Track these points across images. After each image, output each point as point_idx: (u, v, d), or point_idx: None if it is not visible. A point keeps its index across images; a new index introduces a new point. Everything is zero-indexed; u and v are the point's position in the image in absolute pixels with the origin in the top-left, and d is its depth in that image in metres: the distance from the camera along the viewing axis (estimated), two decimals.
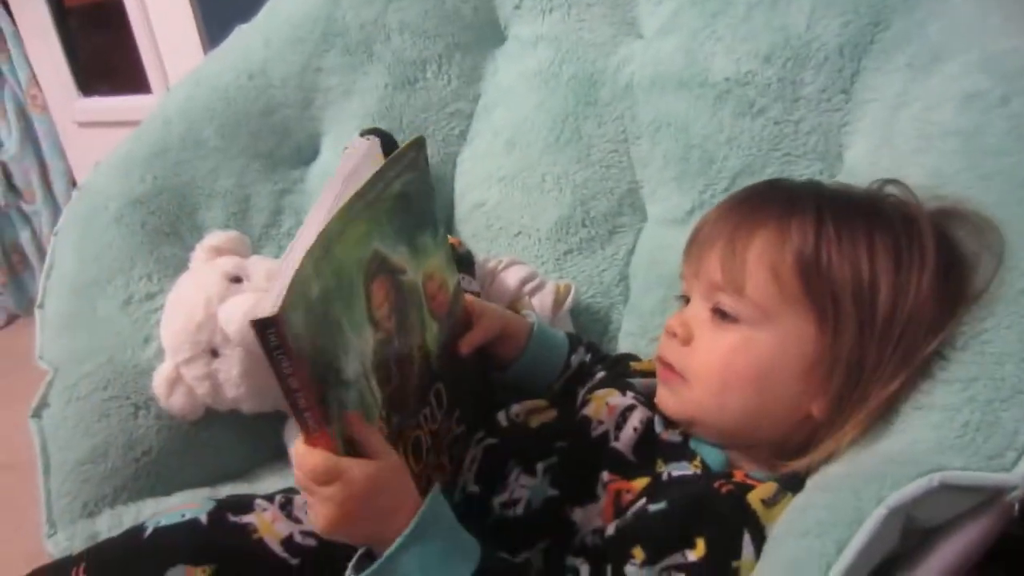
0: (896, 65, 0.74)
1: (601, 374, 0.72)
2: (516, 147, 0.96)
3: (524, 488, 0.59)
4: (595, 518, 0.58)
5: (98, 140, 1.01)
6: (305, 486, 0.49)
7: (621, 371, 0.73)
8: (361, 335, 0.49)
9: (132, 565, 0.58)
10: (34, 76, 2.10)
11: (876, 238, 0.56)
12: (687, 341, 0.60)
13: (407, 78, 1.00)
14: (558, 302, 0.82)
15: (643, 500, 0.56)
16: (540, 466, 0.60)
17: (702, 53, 0.84)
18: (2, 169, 2.17)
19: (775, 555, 0.50)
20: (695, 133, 0.84)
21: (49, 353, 0.83)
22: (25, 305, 2.30)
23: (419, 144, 0.58)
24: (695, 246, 0.63)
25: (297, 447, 0.47)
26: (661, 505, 0.54)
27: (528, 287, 0.83)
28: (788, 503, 0.54)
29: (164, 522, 0.60)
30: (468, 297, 0.70)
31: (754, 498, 0.54)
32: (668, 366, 0.62)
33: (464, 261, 0.84)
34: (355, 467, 0.48)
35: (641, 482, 0.58)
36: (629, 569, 0.52)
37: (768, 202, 0.61)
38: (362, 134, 1.00)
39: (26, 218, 2.25)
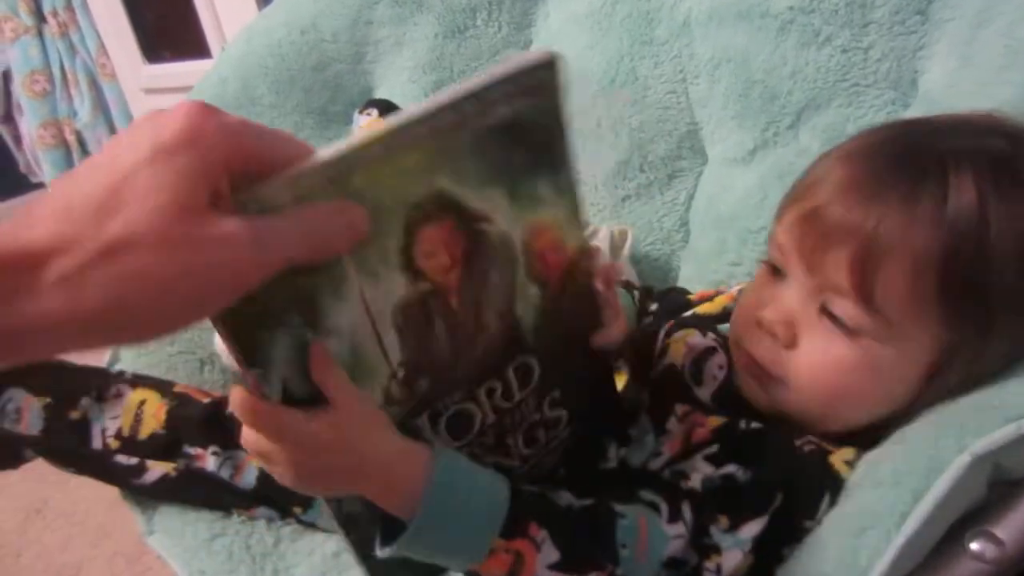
0: None
1: (673, 320, 0.65)
2: (568, 92, 0.92)
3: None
4: (661, 446, 0.56)
5: (163, 106, 1.02)
6: (245, 446, 0.42)
7: (685, 307, 0.69)
8: (378, 282, 0.42)
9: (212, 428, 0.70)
10: (102, 45, 2.15)
11: None
12: (791, 345, 0.53)
13: (457, 26, 0.98)
14: (615, 248, 0.79)
15: (715, 447, 0.53)
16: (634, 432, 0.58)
17: None
18: (77, 137, 2.24)
19: (846, 506, 0.48)
20: (756, 68, 0.80)
21: None
22: None
23: (549, 63, 0.41)
24: (812, 228, 0.51)
25: (233, 397, 0.40)
26: (748, 475, 0.51)
27: None
28: None
29: None
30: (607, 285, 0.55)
31: (837, 459, 0.51)
32: (760, 366, 0.54)
33: None
34: (295, 423, 0.40)
35: (716, 420, 0.55)
36: (713, 529, 0.49)
37: (918, 186, 0.48)
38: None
39: None
